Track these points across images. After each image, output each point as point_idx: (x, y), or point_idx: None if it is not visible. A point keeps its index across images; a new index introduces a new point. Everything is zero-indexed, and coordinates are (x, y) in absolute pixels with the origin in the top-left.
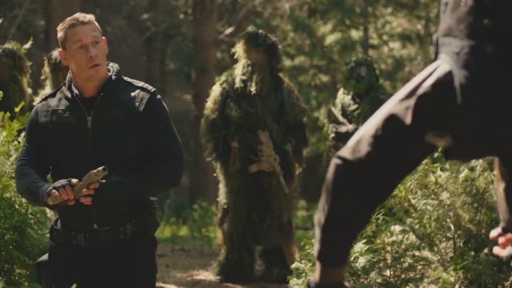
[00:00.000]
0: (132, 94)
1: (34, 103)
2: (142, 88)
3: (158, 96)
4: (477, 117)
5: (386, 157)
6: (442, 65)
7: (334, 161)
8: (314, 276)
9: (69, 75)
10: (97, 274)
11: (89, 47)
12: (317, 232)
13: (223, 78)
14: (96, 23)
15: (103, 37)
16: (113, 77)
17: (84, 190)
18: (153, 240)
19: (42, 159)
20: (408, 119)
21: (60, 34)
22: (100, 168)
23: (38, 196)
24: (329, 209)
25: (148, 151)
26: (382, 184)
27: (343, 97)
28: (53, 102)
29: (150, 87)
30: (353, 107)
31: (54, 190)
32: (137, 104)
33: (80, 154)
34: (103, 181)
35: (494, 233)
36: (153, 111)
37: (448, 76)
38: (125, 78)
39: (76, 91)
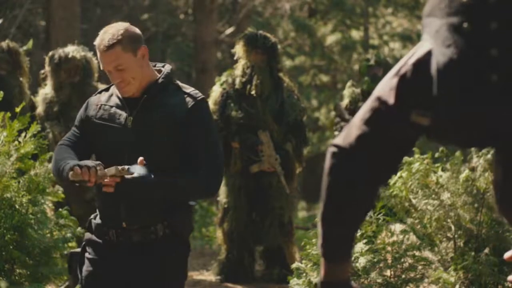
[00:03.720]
0: (178, 98)
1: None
2: (189, 94)
3: (204, 104)
4: (453, 96)
5: (374, 139)
6: (424, 44)
7: (330, 150)
8: (320, 274)
9: None
10: (124, 271)
11: (112, 73)
12: (319, 227)
13: (223, 78)
14: (122, 45)
15: (142, 46)
16: (160, 80)
17: (106, 179)
18: (186, 243)
19: (83, 147)
20: (391, 99)
21: None
22: (126, 167)
23: (63, 171)
24: (328, 198)
25: (185, 157)
26: (376, 169)
27: (352, 91)
28: (104, 96)
29: (198, 94)
30: (361, 103)
31: (77, 167)
32: (180, 109)
33: (117, 152)
34: (135, 175)
35: (509, 253)
36: (196, 118)
37: (428, 55)
38: (176, 82)
39: None
